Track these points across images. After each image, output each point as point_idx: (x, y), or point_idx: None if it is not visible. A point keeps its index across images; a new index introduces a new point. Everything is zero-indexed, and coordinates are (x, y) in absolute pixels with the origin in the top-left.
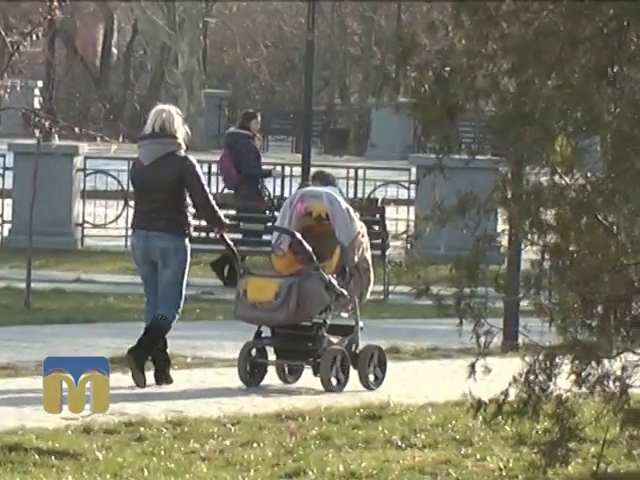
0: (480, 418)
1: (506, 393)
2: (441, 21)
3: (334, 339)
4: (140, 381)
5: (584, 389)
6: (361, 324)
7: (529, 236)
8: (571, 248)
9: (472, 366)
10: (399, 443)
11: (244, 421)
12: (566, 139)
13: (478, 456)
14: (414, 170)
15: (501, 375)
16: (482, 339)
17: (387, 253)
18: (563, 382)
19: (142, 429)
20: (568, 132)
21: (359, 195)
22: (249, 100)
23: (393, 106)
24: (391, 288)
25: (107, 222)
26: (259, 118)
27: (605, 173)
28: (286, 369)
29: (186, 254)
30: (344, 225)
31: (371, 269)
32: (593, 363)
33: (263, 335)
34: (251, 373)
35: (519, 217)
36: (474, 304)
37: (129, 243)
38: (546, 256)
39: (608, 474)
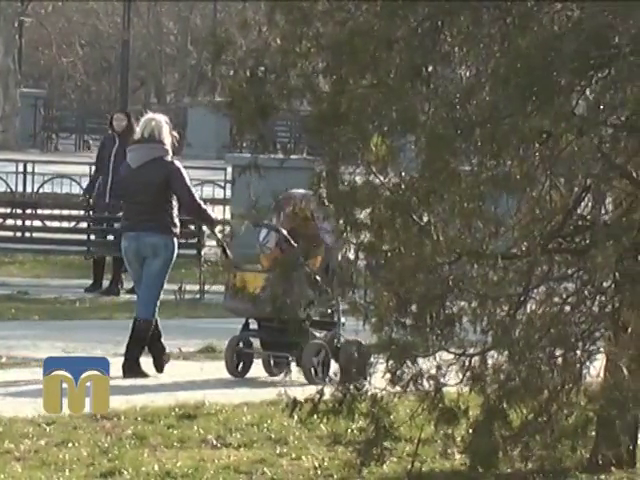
0: (296, 417)
1: (321, 392)
2: (255, 20)
3: (317, 333)
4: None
5: (399, 388)
6: (343, 320)
7: (344, 235)
8: (386, 247)
9: (288, 365)
10: (214, 442)
11: (59, 421)
12: (381, 138)
13: (293, 455)
14: (230, 169)
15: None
16: None
17: (202, 252)
18: (378, 381)
19: None
20: (383, 131)
21: None
22: (65, 100)
23: (209, 105)
24: (207, 287)
25: None
26: (119, 115)
27: (420, 172)
28: (272, 361)
29: (173, 252)
30: (329, 225)
31: None
32: (408, 362)
33: (250, 327)
34: (238, 365)
35: (334, 216)
36: (289, 303)
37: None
38: (361, 255)
39: (423, 473)
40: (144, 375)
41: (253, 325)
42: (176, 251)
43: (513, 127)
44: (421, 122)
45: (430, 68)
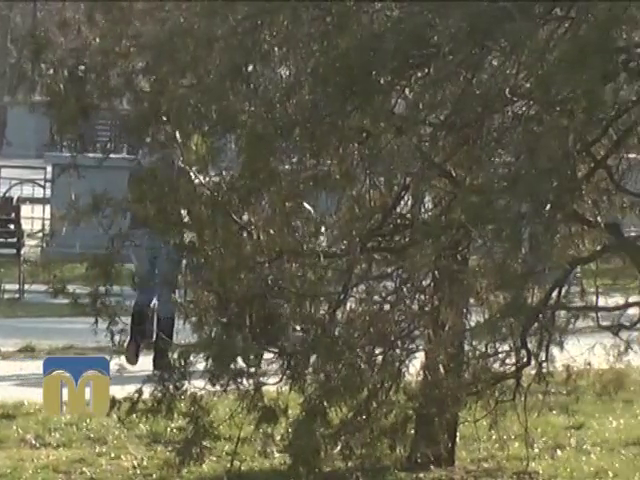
0: (115, 416)
1: (140, 391)
2: (75, 19)
3: None
4: None
5: (219, 387)
6: None
7: (165, 235)
8: (207, 247)
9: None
10: (33, 442)
11: None
12: (201, 138)
13: (112, 454)
14: (50, 169)
15: (136, 373)
16: (117, 337)
17: (22, 252)
18: (198, 380)
19: None
20: (203, 131)
21: None
22: None
23: (28, 105)
24: (26, 287)
25: None
26: None
27: (240, 172)
28: None
29: None
30: None
31: None
32: (227, 361)
33: None
34: None
35: (155, 216)
36: (109, 303)
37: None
38: (182, 254)
39: (242, 472)
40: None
41: None
42: None
43: (333, 126)
44: (241, 121)
45: (250, 67)
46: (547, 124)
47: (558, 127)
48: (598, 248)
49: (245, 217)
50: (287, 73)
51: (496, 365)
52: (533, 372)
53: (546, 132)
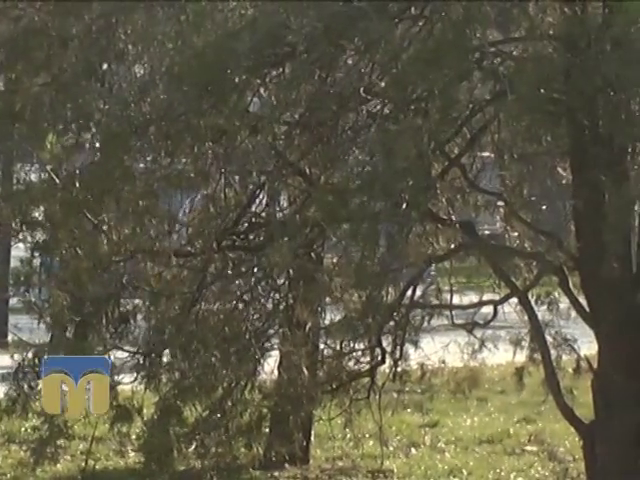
0: None
1: None
2: None
3: None
4: None
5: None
6: None
7: (20, 234)
8: (61, 246)
9: None
10: None
11: None
12: (56, 137)
13: None
14: None
15: None
16: None
17: None
18: None
19: None
20: (58, 130)
21: None
22: None
23: None
24: None
25: None
26: None
27: (95, 171)
28: None
29: None
30: None
31: None
32: None
33: None
34: None
35: (10, 215)
36: None
37: None
38: (36, 254)
39: (97, 471)
40: None
41: None
42: None
43: (187, 125)
44: (96, 120)
45: (105, 66)
46: (402, 123)
47: (413, 126)
48: (452, 246)
49: (100, 216)
50: (142, 72)
51: (351, 363)
52: (388, 370)
53: (401, 131)
